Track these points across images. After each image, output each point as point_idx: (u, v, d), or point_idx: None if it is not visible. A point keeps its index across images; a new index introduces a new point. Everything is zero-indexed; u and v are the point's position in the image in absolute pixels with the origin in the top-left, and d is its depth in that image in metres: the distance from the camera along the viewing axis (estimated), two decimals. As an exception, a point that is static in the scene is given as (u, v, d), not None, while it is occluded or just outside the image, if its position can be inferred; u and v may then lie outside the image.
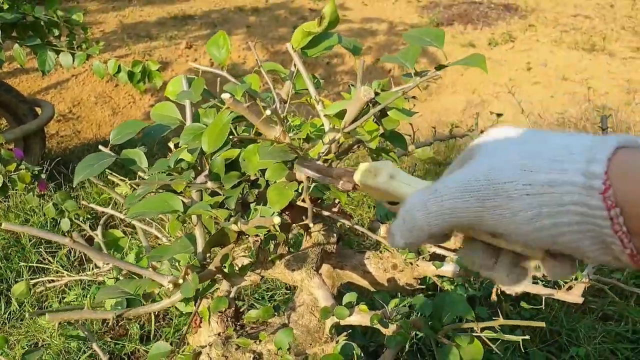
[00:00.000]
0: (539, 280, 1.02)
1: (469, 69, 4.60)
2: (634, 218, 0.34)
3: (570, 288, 0.93)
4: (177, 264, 0.93)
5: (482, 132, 1.42)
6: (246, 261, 1.08)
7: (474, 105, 4.06)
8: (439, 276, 1.22)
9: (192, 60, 4.64)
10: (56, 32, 2.12)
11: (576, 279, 0.93)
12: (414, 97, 1.03)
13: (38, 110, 2.66)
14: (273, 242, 0.90)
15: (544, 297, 0.97)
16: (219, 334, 1.10)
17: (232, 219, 0.69)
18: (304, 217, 0.79)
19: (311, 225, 0.61)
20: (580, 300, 0.92)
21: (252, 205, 0.77)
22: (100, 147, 0.98)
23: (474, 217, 0.39)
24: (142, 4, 6.05)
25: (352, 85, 1.08)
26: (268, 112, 0.68)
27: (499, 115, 1.33)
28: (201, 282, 0.74)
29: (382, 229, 1.16)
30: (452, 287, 1.93)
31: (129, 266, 0.72)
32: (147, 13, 5.72)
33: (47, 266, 1.93)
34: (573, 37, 5.20)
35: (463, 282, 1.94)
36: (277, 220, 0.63)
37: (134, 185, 1.40)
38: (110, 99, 4.07)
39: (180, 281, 0.65)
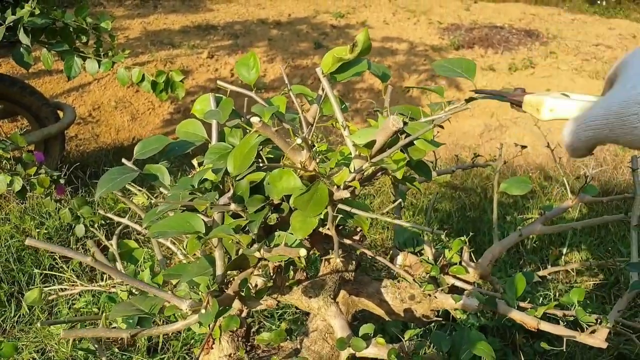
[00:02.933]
0: (560, 321, 1.00)
1: (488, 92, 4.58)
2: None
3: (594, 331, 0.90)
4: (195, 286, 0.92)
5: (505, 162, 1.41)
6: (260, 280, 1.07)
7: (492, 129, 4.04)
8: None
9: (213, 70, 4.67)
10: (84, 39, 2.15)
11: (601, 322, 0.91)
12: (441, 127, 1.02)
13: (60, 113, 2.69)
14: (293, 267, 0.89)
15: (564, 339, 0.95)
16: (230, 355, 1.09)
17: (255, 246, 0.68)
18: (331, 249, 0.78)
19: (338, 260, 0.60)
20: (604, 345, 0.89)
21: (277, 233, 0.76)
22: (123, 160, 0.99)
23: (611, 139, 0.55)
24: (167, 11, 6.14)
25: (378, 110, 1.07)
26: (299, 140, 0.67)
27: (523, 147, 1.31)
28: (220, 306, 0.73)
29: (400, 258, 1.14)
30: (464, 316, 1.90)
31: (150, 289, 0.71)
32: (171, 21, 5.80)
33: (59, 274, 1.93)
34: (594, 66, 5.17)
35: (476, 312, 1.91)
36: (303, 252, 0.62)
37: (150, 196, 1.40)
38: (130, 105, 4.11)
39: (203, 311, 0.64)
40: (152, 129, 3.86)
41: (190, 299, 0.71)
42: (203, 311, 0.63)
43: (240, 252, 0.76)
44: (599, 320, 0.91)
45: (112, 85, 4.25)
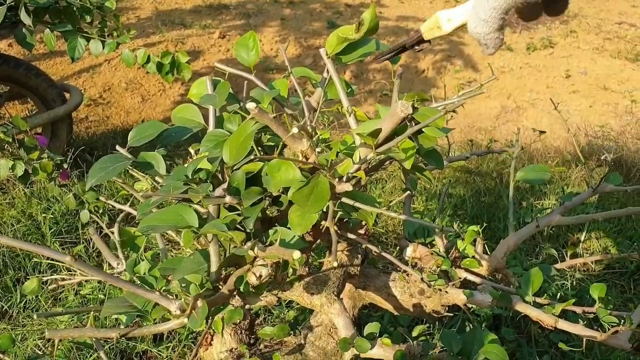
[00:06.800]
0: (579, 320, 0.94)
1: (505, 72, 4.45)
2: None
3: (616, 332, 0.84)
4: (187, 280, 0.87)
5: (522, 148, 1.33)
6: (265, 271, 1.03)
7: (509, 111, 3.93)
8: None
9: (225, 50, 4.60)
10: (88, 19, 2.10)
11: (624, 322, 0.85)
12: (454, 112, 0.96)
13: (67, 95, 2.65)
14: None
15: (584, 339, 0.89)
16: (231, 350, 1.05)
17: (248, 244, 0.63)
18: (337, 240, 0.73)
19: (335, 264, 0.55)
20: (628, 347, 0.83)
21: (274, 229, 0.70)
22: (117, 147, 0.94)
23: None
24: (179, -10, 6.04)
25: (387, 94, 1.01)
26: (295, 130, 0.61)
27: (541, 132, 1.24)
28: (212, 307, 0.68)
29: (410, 249, 1.09)
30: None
31: (136, 289, 0.67)
32: (182, 0, 5.71)
33: (62, 263, 1.90)
34: (616, 45, 4.99)
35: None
36: (297, 255, 0.57)
37: (155, 182, 1.35)
38: (141, 86, 4.06)
39: (185, 320, 0.59)
40: (163, 110, 3.82)
41: (181, 299, 0.66)
42: (186, 320, 0.58)
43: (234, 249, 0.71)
44: (622, 321, 0.85)
45: (122, 66, 4.21)
